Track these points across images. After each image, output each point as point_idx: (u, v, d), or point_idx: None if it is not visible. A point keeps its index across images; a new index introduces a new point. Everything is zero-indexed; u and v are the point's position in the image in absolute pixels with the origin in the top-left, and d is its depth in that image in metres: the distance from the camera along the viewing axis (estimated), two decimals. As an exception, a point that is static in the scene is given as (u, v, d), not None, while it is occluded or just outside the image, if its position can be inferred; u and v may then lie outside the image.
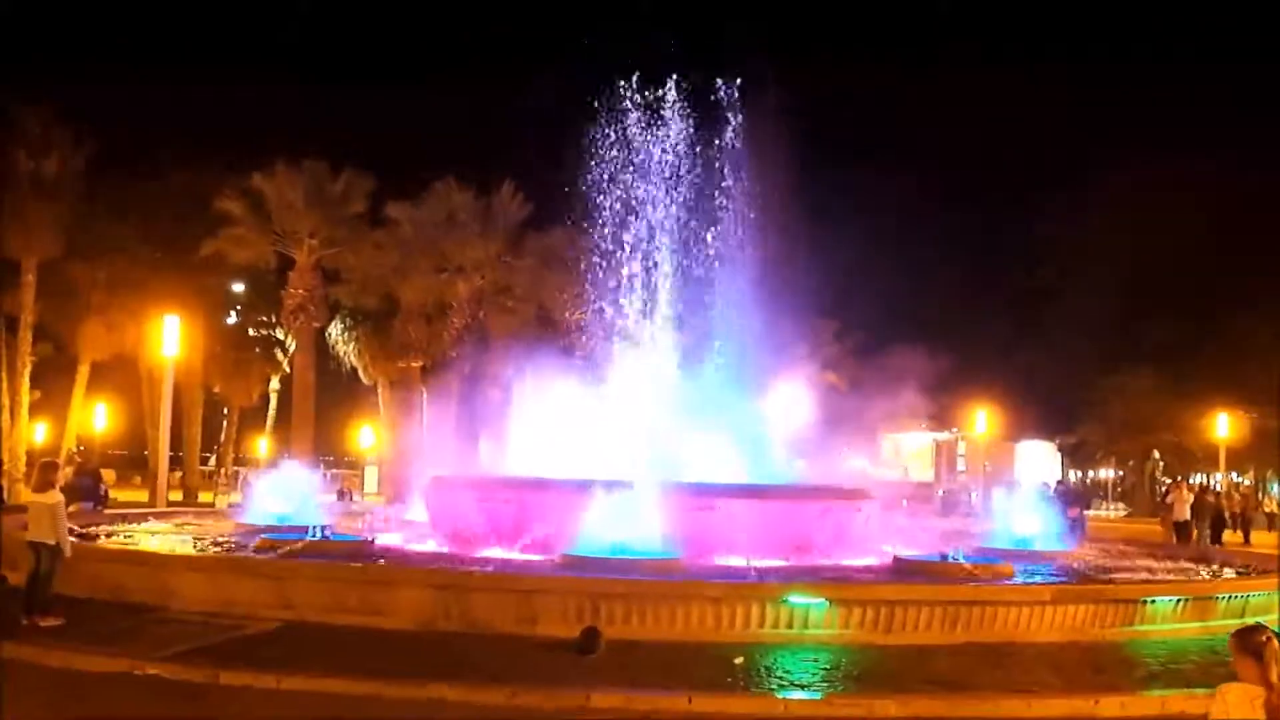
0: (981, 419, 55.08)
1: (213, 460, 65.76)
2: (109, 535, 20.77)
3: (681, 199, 29.17)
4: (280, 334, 58.53)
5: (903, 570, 18.36)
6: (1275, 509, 57.15)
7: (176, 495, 47.95)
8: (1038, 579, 17.99)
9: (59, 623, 13.97)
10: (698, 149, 29.09)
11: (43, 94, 45.97)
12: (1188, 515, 33.64)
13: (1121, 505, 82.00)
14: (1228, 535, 37.47)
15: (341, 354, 55.48)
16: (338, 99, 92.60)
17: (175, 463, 51.13)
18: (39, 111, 44.94)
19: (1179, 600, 15.54)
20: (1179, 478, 59.31)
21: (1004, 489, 34.68)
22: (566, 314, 53.52)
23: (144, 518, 25.48)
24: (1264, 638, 6.27)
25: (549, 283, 51.41)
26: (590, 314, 53.77)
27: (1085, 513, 33.36)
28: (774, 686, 12.14)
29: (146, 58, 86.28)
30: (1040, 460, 70.93)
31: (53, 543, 14.70)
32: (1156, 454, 79.94)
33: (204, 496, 50.30)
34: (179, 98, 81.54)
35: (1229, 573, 20.37)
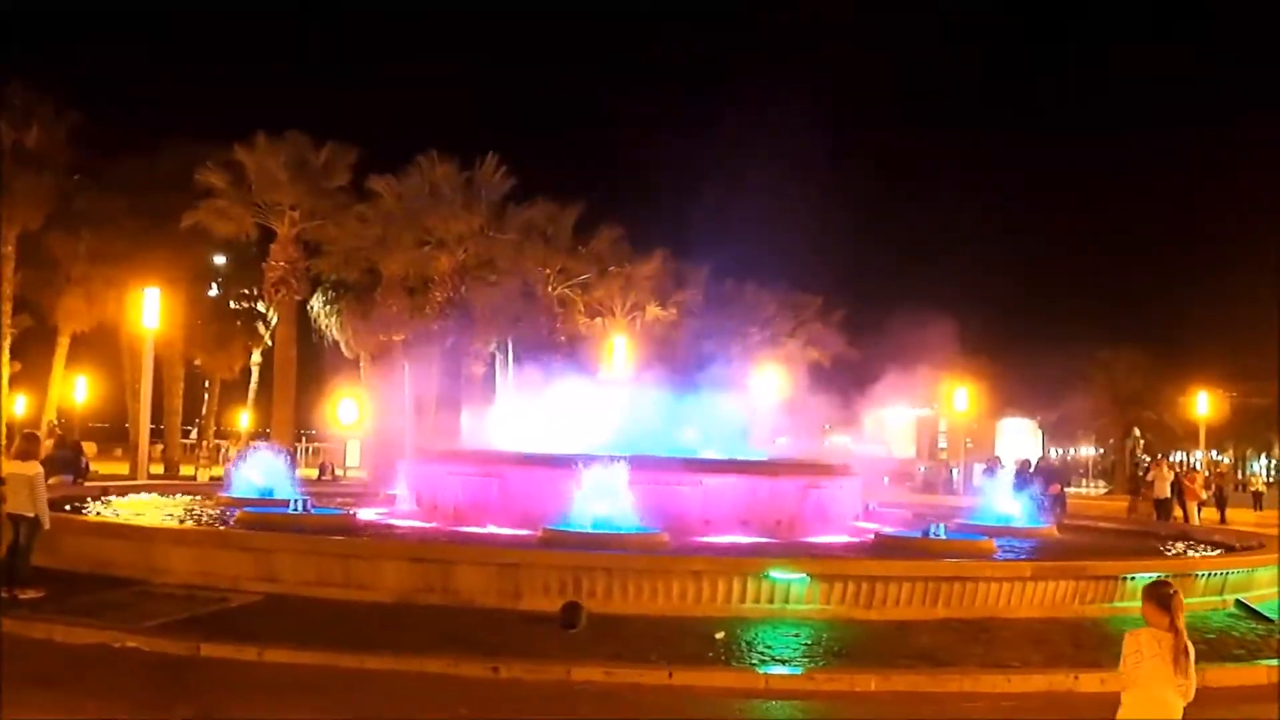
0: (963, 396, 55.18)
1: (194, 433, 65.58)
2: (78, 508, 20.64)
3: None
4: (262, 307, 58.30)
5: (884, 546, 18.41)
6: (1261, 487, 57.49)
7: (158, 468, 47.86)
8: (1018, 555, 18.08)
9: (39, 595, 13.93)
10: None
11: (26, 65, 45.82)
12: (1168, 493, 33.85)
13: (1102, 483, 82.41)
14: (1208, 513, 37.65)
15: (323, 327, 55.25)
16: (322, 71, 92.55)
17: (156, 436, 50.95)
18: (21, 82, 44.68)
19: (1159, 577, 15.59)
20: (1159, 455, 59.71)
21: (985, 466, 34.84)
22: (549, 288, 53.69)
23: (125, 490, 25.41)
24: (1170, 590, 7.31)
25: (531, 257, 51.36)
26: (573, 289, 53.96)
27: (1066, 490, 33.50)
28: (755, 661, 12.18)
29: (130, 29, 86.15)
30: (1021, 437, 71.27)
31: (31, 515, 14.64)
32: (1137, 431, 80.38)
33: (185, 469, 50.18)
34: (162, 70, 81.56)
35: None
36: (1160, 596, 7.24)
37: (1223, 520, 37.42)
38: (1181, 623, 7.13)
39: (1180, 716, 7.12)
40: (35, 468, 15.01)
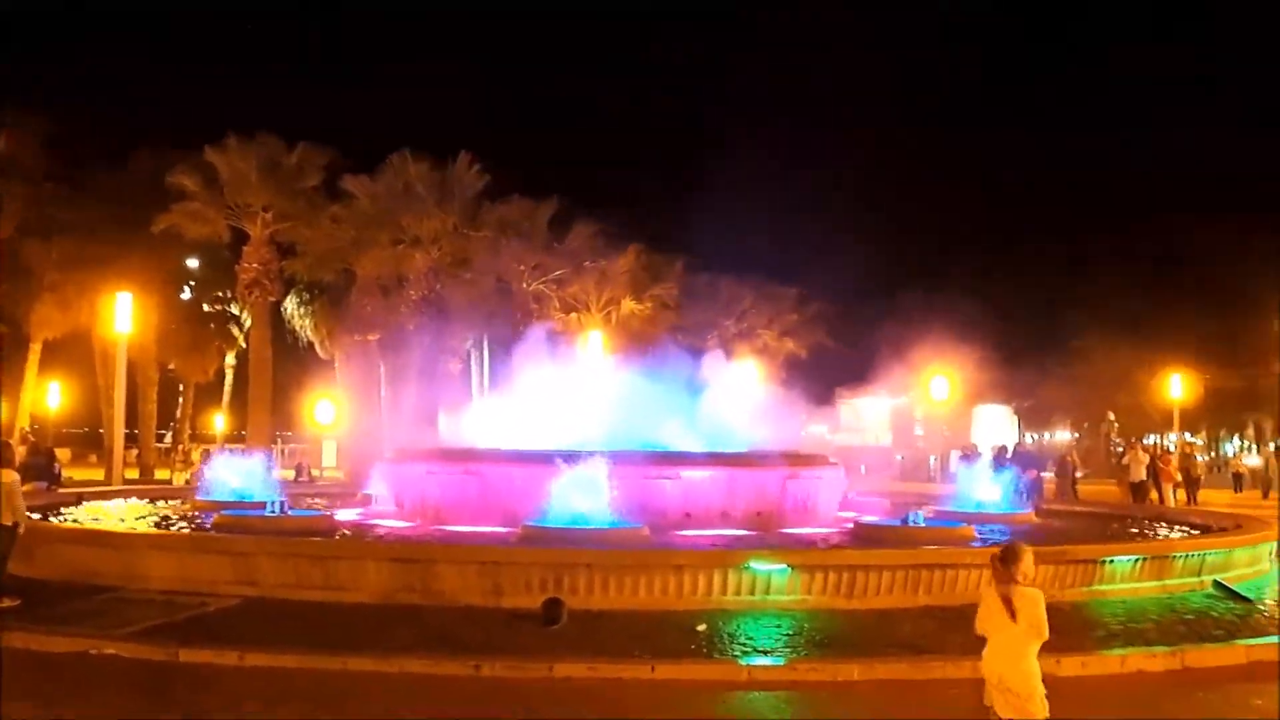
0: (940, 384, 55.29)
1: (168, 438, 65.24)
2: (54, 515, 20.50)
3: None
4: (236, 309, 58.08)
5: (864, 536, 18.47)
6: (1243, 469, 57.83)
7: (133, 473, 47.57)
8: (997, 541, 18.09)
9: (15, 604, 13.83)
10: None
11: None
12: (1144, 476, 34.03)
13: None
14: (1180, 495, 37.78)
15: (298, 328, 55.16)
16: (293, 73, 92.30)
17: (130, 441, 50.67)
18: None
19: (1137, 559, 15.68)
20: (1134, 439, 60.01)
21: (962, 454, 34.92)
22: (525, 285, 53.60)
23: (100, 496, 25.24)
24: (1006, 547, 8.38)
25: (507, 254, 51.30)
26: (548, 284, 53.89)
27: (1043, 475, 33.60)
28: (737, 653, 12.17)
29: (101, 34, 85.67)
30: (997, 424, 71.42)
31: (9, 524, 14.53)
32: (1111, 416, 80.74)
33: (160, 474, 49.92)
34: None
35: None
36: (1003, 554, 8.32)
37: (1191, 501, 37.57)
38: (1016, 572, 8.16)
39: (1032, 654, 8.17)
40: (11, 475, 14.89)
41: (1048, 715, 8.20)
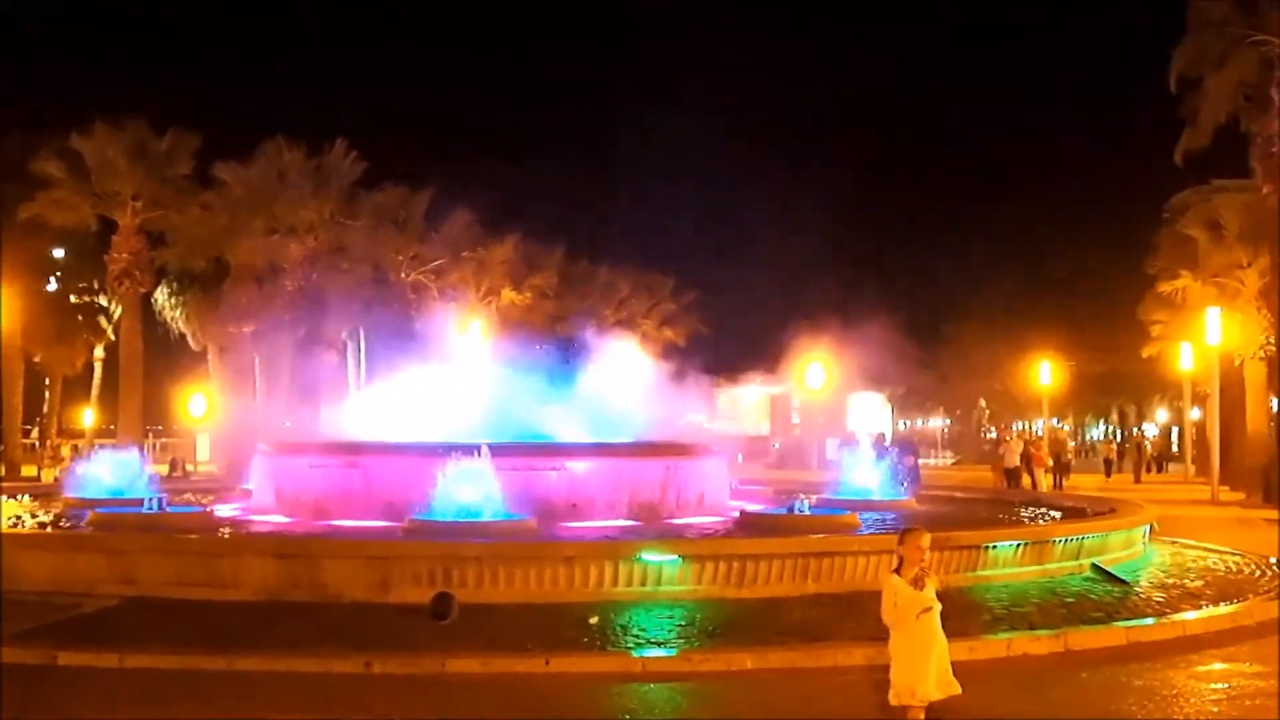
0: (816, 372, 55.96)
1: (35, 433, 63.44)
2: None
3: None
4: (104, 300, 56.62)
5: (751, 525, 18.56)
6: (1112, 455, 59.52)
7: (-2, 470, 46.21)
8: (882, 528, 18.34)
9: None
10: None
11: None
12: (1018, 462, 34.84)
13: (950, 453, 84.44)
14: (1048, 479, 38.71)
15: (169, 320, 53.92)
16: (164, 59, 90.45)
17: (-5, 436, 49.18)
18: None
19: (1018, 544, 15.98)
20: (1005, 425, 61.43)
21: (841, 441, 35.40)
22: (403, 275, 53.07)
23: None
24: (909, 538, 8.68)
25: (384, 243, 50.74)
26: (426, 274, 53.43)
27: (919, 461, 34.25)
28: (630, 645, 12.16)
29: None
30: (872, 411, 72.60)
31: None
32: (983, 402, 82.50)
33: (26, 471, 48.52)
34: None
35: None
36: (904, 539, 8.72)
37: (1058, 486, 38.52)
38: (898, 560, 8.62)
39: (893, 639, 8.65)
40: None
41: (900, 702, 8.54)
